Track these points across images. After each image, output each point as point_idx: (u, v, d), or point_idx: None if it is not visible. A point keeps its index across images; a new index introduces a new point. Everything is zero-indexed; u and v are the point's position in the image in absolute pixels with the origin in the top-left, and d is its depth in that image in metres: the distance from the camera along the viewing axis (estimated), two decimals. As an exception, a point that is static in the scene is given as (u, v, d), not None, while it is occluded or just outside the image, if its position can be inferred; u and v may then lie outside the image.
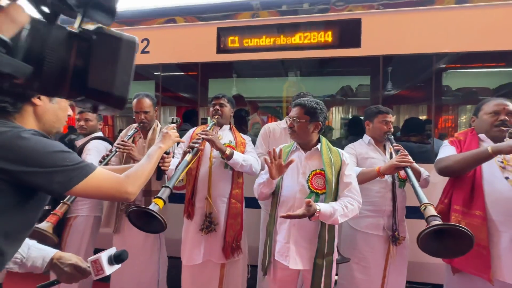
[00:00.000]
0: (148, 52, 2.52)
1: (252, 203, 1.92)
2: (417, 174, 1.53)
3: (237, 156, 1.63)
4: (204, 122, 2.66)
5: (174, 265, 2.04)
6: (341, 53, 2.26)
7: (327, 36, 2.28)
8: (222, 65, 2.50)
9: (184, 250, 1.73)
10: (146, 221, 1.00)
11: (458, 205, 1.39)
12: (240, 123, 2.83)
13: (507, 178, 1.31)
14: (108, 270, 0.85)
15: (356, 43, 2.21)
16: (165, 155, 1.30)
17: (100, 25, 0.28)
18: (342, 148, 1.91)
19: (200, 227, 1.66)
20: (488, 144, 1.39)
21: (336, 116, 3.67)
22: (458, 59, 2.20)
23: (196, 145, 1.47)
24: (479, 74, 2.67)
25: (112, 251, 0.87)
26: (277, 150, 1.33)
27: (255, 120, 3.15)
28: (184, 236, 1.76)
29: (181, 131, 2.10)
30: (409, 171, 1.38)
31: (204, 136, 1.57)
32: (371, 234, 1.63)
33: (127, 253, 0.86)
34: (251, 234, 1.93)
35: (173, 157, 1.40)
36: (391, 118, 1.72)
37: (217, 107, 1.82)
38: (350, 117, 3.49)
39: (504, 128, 1.37)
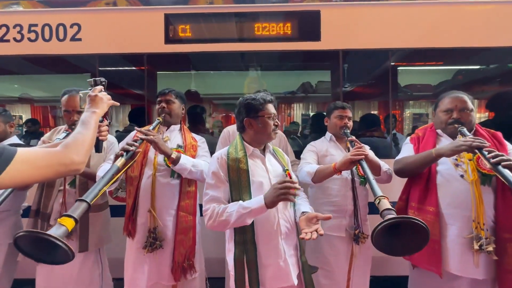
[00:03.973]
0: (80, 39, 2.13)
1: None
2: (377, 168, 1.44)
3: (185, 161, 1.40)
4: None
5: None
6: (301, 46, 2.15)
7: (286, 28, 2.15)
8: (172, 56, 2.22)
9: (126, 271, 1.47)
10: (47, 247, 0.70)
11: (414, 202, 1.38)
12: (196, 122, 2.58)
13: (462, 176, 1.31)
14: None
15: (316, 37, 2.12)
16: (100, 123, 1.03)
17: None
18: (306, 144, 1.80)
19: (143, 244, 1.41)
20: (445, 139, 1.40)
21: (297, 112, 3.79)
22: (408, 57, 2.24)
23: (132, 148, 1.18)
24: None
25: None
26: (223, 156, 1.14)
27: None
28: (127, 255, 1.49)
29: (127, 132, 1.78)
30: (364, 163, 1.25)
31: (144, 137, 1.32)
32: (334, 236, 1.55)
33: None
34: (209, 244, 1.72)
35: (108, 125, 1.09)
36: (348, 113, 1.65)
37: (163, 104, 1.57)
38: (311, 112, 3.51)
39: (457, 126, 1.36)
